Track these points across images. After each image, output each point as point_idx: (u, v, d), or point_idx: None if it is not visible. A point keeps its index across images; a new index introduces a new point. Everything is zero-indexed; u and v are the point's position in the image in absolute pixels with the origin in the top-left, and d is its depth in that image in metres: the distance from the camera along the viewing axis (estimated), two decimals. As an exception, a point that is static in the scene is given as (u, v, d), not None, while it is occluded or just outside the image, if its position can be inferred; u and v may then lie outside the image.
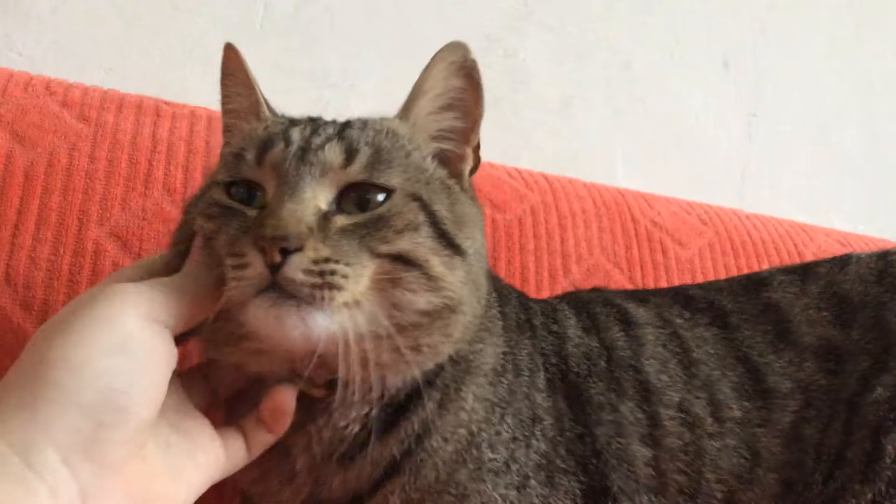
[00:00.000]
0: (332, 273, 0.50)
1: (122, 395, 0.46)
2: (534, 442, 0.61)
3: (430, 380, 0.58)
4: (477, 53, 1.30)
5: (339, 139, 0.57)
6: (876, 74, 1.59)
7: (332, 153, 0.56)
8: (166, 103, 0.83)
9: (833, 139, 1.54)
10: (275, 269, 0.49)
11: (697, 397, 0.64)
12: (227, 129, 0.64)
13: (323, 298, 0.49)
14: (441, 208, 0.56)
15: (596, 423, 0.62)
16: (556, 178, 1.02)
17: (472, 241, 0.57)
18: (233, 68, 0.63)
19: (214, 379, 0.59)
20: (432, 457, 0.57)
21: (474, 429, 0.59)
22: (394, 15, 1.28)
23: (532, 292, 0.86)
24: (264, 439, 0.56)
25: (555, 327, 0.68)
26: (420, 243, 0.54)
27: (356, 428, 0.57)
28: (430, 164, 0.60)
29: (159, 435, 0.50)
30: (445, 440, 0.58)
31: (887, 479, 0.59)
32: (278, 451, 0.57)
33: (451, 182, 0.61)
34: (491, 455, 0.59)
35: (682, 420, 0.63)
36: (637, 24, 1.43)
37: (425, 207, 0.55)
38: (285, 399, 0.55)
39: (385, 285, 0.52)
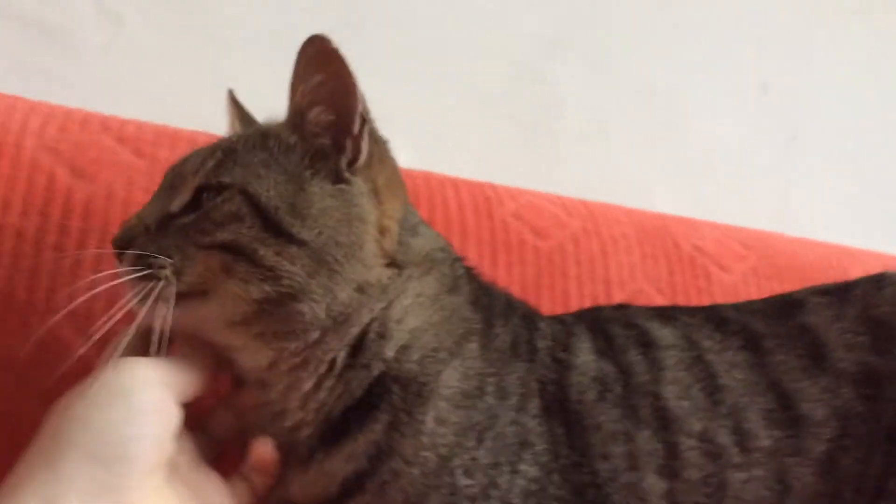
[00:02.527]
0: (151, 266, 0.56)
1: (129, 445, 0.52)
2: (522, 467, 0.59)
3: (373, 401, 0.60)
4: (511, 81, 1.32)
5: (208, 150, 0.63)
6: (917, 95, 1.58)
7: (191, 163, 0.62)
8: (220, 137, 0.85)
9: (876, 160, 1.53)
10: None
11: (722, 426, 0.62)
12: None
13: (148, 288, 0.56)
14: (272, 199, 0.58)
15: (601, 456, 0.60)
16: (597, 205, 1.02)
17: (319, 231, 0.58)
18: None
19: (211, 429, 0.63)
20: (398, 479, 0.58)
21: (444, 452, 0.58)
22: (428, 46, 1.31)
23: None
24: (266, 481, 0.61)
25: (561, 354, 0.66)
26: (242, 233, 0.57)
27: (306, 431, 0.60)
28: (287, 160, 0.61)
29: (175, 491, 0.56)
30: (408, 463, 0.58)
31: None
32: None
33: (308, 174, 0.61)
34: (466, 481, 0.58)
35: (704, 450, 0.61)
36: (671, 45, 1.44)
37: (251, 199, 0.58)
38: (265, 451, 0.60)
39: (221, 276, 0.57)
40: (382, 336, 0.61)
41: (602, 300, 0.91)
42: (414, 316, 0.62)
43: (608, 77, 1.38)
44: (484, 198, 0.94)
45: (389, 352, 0.60)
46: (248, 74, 1.24)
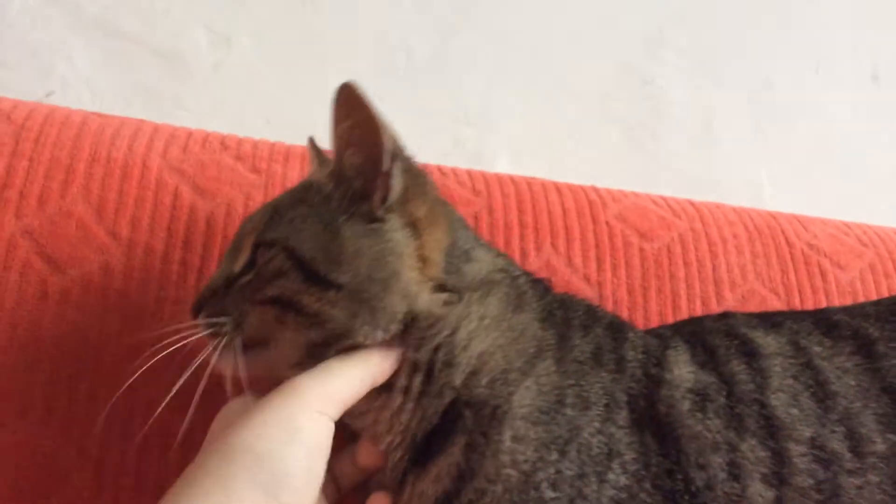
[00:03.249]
0: (216, 324, 0.63)
1: (295, 478, 0.55)
2: (610, 476, 0.59)
3: (449, 426, 0.61)
4: (613, 82, 1.32)
5: (263, 209, 0.68)
6: None
7: (250, 223, 0.68)
8: (329, 152, 0.88)
9: None
10: None
11: (833, 431, 0.60)
12: None
13: (217, 344, 0.62)
14: (310, 250, 0.62)
15: (697, 466, 0.59)
16: (704, 204, 1.00)
17: (354, 273, 0.61)
18: None
19: (335, 471, 0.65)
20: (483, 498, 0.59)
21: (527, 468, 0.59)
22: (529, 51, 1.31)
23: (685, 320, 0.85)
24: None
25: (654, 369, 0.65)
26: (287, 287, 0.62)
27: (397, 454, 0.63)
28: (324, 209, 0.65)
29: None
30: (491, 482, 0.59)
31: None
32: None
33: (342, 219, 0.63)
34: (552, 494, 0.58)
35: (815, 456, 0.59)
36: (777, 39, 1.40)
37: (292, 253, 0.62)
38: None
39: (277, 326, 0.63)
40: (449, 364, 0.63)
41: (712, 302, 0.89)
42: (479, 340, 0.64)
43: (712, 75, 1.36)
44: (587, 201, 0.93)
45: (458, 379, 0.62)
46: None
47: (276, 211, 0.66)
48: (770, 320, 0.71)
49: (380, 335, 0.62)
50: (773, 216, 1.01)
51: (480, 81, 1.28)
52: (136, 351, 0.73)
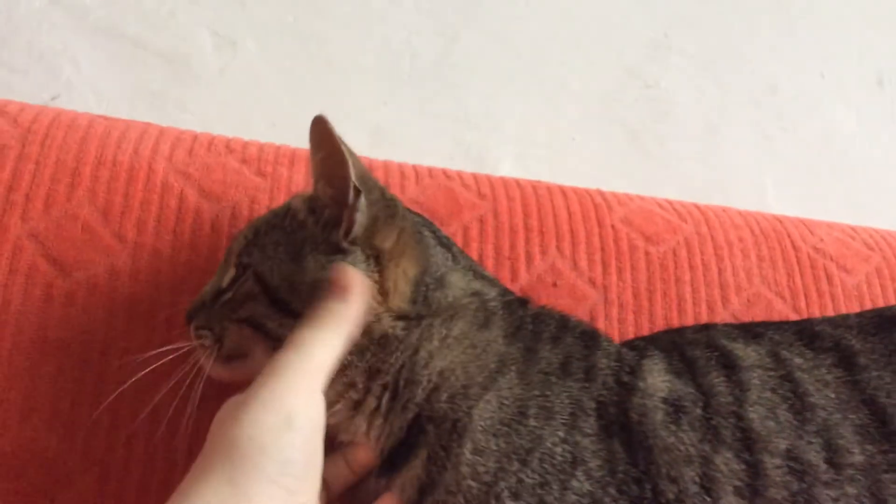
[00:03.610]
0: (202, 336, 0.67)
1: (297, 464, 0.55)
2: (574, 483, 0.59)
3: (412, 440, 0.63)
4: (616, 87, 1.31)
5: (247, 228, 0.71)
6: None
7: (237, 240, 0.71)
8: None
9: None
10: None
11: (810, 442, 0.60)
12: None
13: (204, 353, 0.67)
14: (275, 278, 0.66)
15: (668, 478, 0.59)
16: (710, 208, 1.00)
17: (311, 305, 0.62)
18: None
19: (326, 474, 0.63)
20: None
21: (488, 479, 0.59)
22: (533, 54, 1.31)
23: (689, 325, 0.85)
24: None
25: (627, 377, 0.66)
26: (256, 310, 0.66)
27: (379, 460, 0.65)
28: (295, 237, 0.67)
29: None
30: (452, 493, 0.60)
31: None
32: None
33: (307, 249, 0.66)
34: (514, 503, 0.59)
35: (791, 468, 0.59)
36: (782, 45, 1.40)
37: (261, 280, 0.66)
38: None
39: (251, 343, 0.67)
40: (411, 381, 0.64)
41: (718, 305, 0.89)
42: (440, 358, 0.65)
43: (717, 78, 1.36)
44: (593, 205, 0.93)
45: (419, 395, 0.64)
46: (356, 92, 1.29)
47: (256, 233, 0.69)
48: (751, 331, 0.72)
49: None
50: (779, 220, 1.01)
51: (484, 84, 1.28)
52: (139, 355, 0.73)
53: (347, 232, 0.66)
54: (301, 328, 0.61)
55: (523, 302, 0.73)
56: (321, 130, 0.64)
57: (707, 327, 0.76)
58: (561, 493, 0.58)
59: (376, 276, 0.66)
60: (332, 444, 0.64)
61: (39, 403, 0.72)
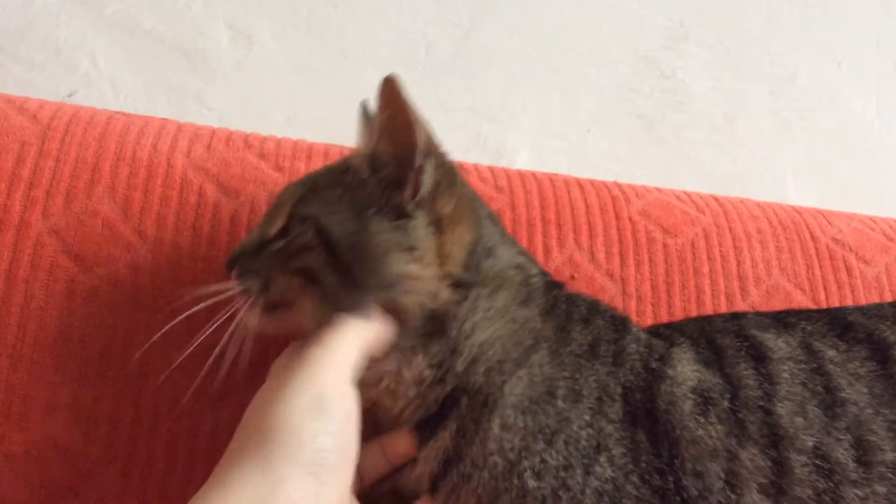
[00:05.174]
0: (247, 283, 0.65)
1: (331, 453, 0.55)
2: (596, 469, 0.59)
3: (444, 412, 0.63)
4: (633, 77, 1.31)
5: (301, 181, 0.70)
6: None
7: (287, 192, 0.69)
8: (350, 150, 0.88)
9: None
10: None
11: (839, 440, 0.59)
12: None
13: (247, 301, 0.64)
14: (338, 234, 0.64)
15: (693, 473, 0.59)
16: (728, 199, 1.00)
17: (373, 267, 0.63)
18: None
19: (360, 463, 0.63)
20: (468, 483, 0.60)
21: (512, 457, 0.59)
22: (549, 46, 1.30)
23: (709, 316, 0.85)
24: None
25: (655, 364, 0.65)
26: (311, 262, 0.64)
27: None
28: (357, 195, 0.66)
29: None
30: (478, 467, 0.60)
31: None
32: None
33: (371, 211, 0.65)
34: (535, 483, 0.58)
35: (817, 466, 0.58)
36: (800, 34, 1.39)
37: (321, 232, 0.64)
38: None
39: (299, 293, 0.64)
40: (455, 352, 0.64)
41: (737, 297, 0.89)
42: (481, 330, 0.65)
43: (735, 68, 1.35)
44: (610, 197, 0.93)
45: (460, 366, 0.64)
46: (372, 85, 1.28)
47: (315, 186, 0.68)
48: (783, 321, 0.70)
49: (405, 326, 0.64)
50: (798, 211, 1.00)
51: (501, 76, 1.28)
52: (162, 348, 0.73)
53: (413, 195, 0.65)
54: (342, 322, 0.61)
55: (558, 284, 0.73)
56: (390, 90, 0.63)
57: (737, 316, 0.74)
58: (584, 478, 0.58)
59: (438, 240, 0.66)
60: (368, 427, 0.64)
61: (62, 397, 0.73)
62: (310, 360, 0.59)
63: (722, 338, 0.68)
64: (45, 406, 0.72)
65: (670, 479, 0.59)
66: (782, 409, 0.61)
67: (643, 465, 0.59)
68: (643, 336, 0.69)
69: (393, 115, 0.64)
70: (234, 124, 0.92)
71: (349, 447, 0.57)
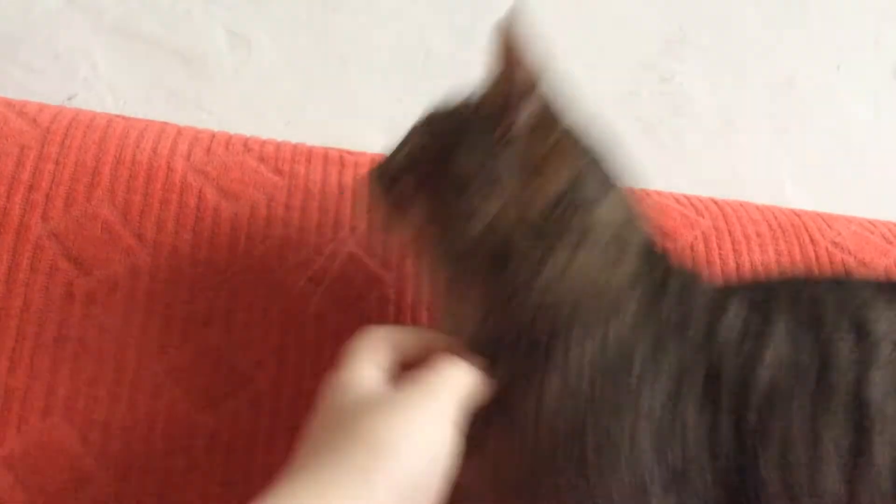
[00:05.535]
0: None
1: (430, 494, 0.51)
2: (668, 457, 0.54)
3: (499, 353, 0.60)
4: (631, 81, 1.30)
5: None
6: None
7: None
8: (349, 153, 0.88)
9: None
10: None
11: None
12: None
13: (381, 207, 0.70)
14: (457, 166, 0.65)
15: (777, 466, 0.54)
16: (727, 202, 1.00)
17: (452, 201, 0.65)
18: None
19: None
20: (509, 437, 0.58)
21: (570, 426, 0.55)
22: (546, 49, 1.31)
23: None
24: None
25: (749, 346, 0.58)
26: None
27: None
28: (472, 127, 0.67)
29: None
30: (526, 424, 0.57)
31: None
32: None
33: (464, 141, 0.66)
34: (594, 458, 0.55)
35: None
36: (798, 37, 1.39)
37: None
38: None
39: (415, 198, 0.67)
40: (522, 304, 0.60)
41: (736, 300, 0.89)
42: (557, 283, 0.60)
43: (733, 72, 1.35)
44: (610, 200, 0.93)
45: (525, 317, 0.60)
46: (371, 89, 1.28)
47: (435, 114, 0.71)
48: (892, 291, 0.62)
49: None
50: (797, 214, 1.00)
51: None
52: (160, 350, 0.73)
53: (505, 133, 0.63)
54: (459, 363, 0.58)
55: (664, 253, 0.68)
56: (503, 30, 0.66)
57: (841, 283, 0.67)
58: (652, 464, 0.54)
59: (519, 182, 0.63)
60: None
61: (57, 400, 0.72)
62: (430, 388, 0.54)
63: (820, 308, 0.61)
64: (44, 409, 0.72)
65: (751, 477, 0.54)
66: (875, 392, 0.55)
67: (722, 461, 0.55)
68: (739, 315, 0.60)
69: (500, 54, 0.66)
70: (233, 128, 0.92)
71: (437, 489, 0.52)
